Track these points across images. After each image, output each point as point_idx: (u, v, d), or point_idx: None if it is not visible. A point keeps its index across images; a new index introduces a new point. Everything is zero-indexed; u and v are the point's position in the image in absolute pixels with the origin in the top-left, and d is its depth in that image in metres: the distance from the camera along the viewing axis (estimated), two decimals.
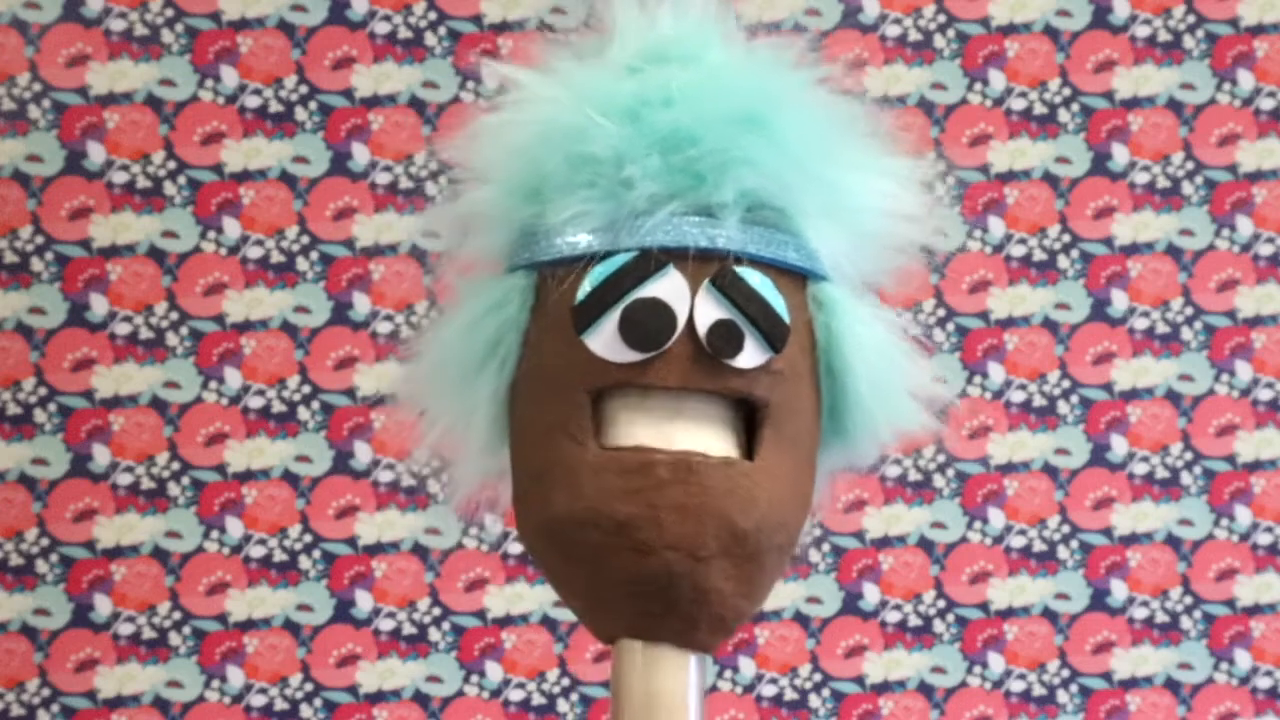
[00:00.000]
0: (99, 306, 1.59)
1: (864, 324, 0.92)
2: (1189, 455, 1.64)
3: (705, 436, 0.88)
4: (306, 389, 1.60)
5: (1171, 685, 1.63)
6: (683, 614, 0.88)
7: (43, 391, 1.59)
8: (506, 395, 0.92)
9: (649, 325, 0.87)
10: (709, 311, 0.87)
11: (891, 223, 0.93)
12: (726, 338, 0.87)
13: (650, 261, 0.87)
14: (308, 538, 1.60)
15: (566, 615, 1.60)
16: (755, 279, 0.88)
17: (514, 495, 0.93)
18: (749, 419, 0.90)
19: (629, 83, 0.89)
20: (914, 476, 1.62)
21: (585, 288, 0.88)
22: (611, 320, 0.87)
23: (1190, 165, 1.64)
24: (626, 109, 0.88)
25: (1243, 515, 1.64)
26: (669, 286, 0.87)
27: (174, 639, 1.59)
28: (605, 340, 0.87)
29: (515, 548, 1.61)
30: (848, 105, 0.93)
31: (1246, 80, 1.65)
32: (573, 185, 0.88)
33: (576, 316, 0.88)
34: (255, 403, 1.60)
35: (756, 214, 0.88)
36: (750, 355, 0.88)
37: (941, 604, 1.62)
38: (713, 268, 0.87)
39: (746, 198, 0.88)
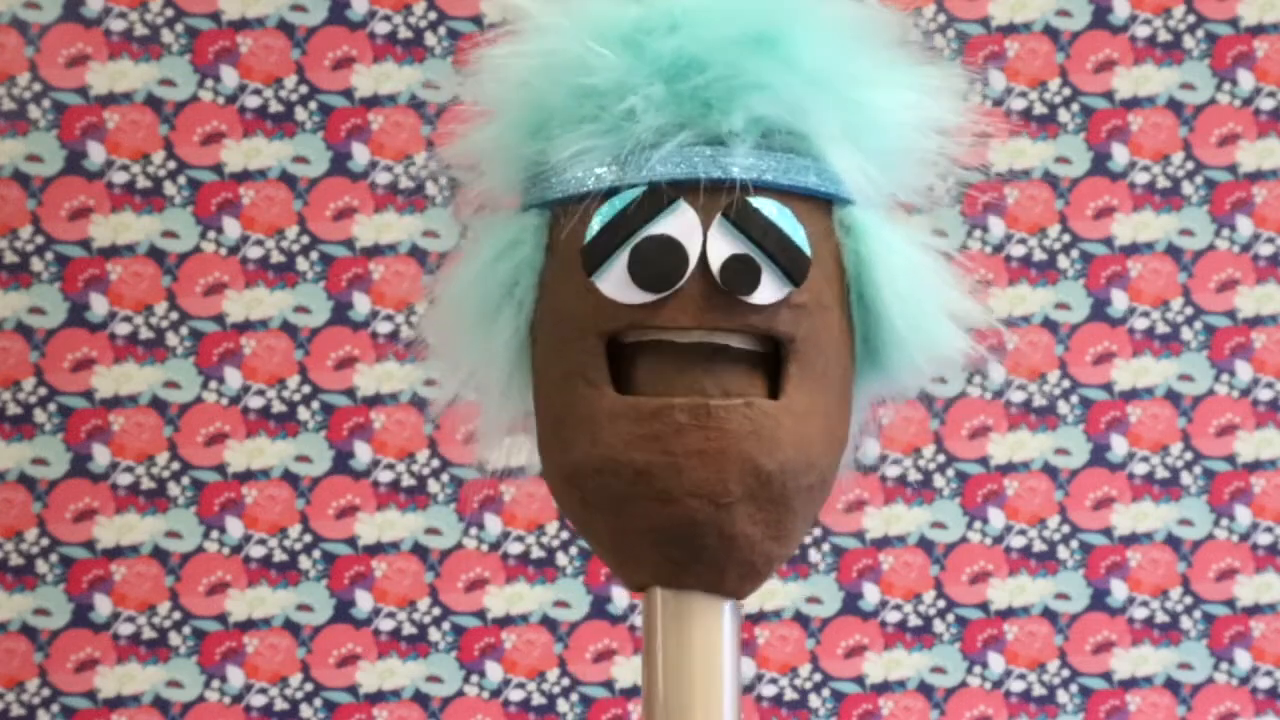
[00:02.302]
0: (99, 306, 1.59)
1: (894, 247, 0.88)
2: (1189, 455, 1.64)
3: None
4: (306, 389, 1.60)
5: (1171, 685, 1.63)
6: (709, 561, 0.86)
7: (43, 391, 1.59)
8: (526, 337, 0.89)
9: (659, 264, 0.84)
10: (722, 246, 0.84)
11: (920, 137, 0.89)
12: (741, 273, 0.84)
13: (659, 196, 0.84)
14: (308, 538, 1.60)
15: (566, 615, 1.61)
16: (771, 209, 0.85)
17: (537, 441, 0.90)
18: (775, 356, 0.87)
19: (633, 7, 0.85)
20: (914, 476, 1.62)
21: (593, 227, 0.85)
22: (621, 260, 0.84)
23: (1190, 165, 1.64)
24: (629, 37, 0.84)
25: (1243, 515, 1.64)
26: (679, 222, 0.84)
27: (174, 639, 1.59)
28: (615, 281, 0.84)
29: (515, 548, 1.61)
30: (866, 15, 0.88)
31: (1246, 80, 1.65)
32: (577, 119, 0.85)
33: (585, 257, 0.85)
34: (255, 403, 1.60)
35: (772, 140, 0.85)
36: (768, 290, 0.84)
37: (941, 604, 1.62)
38: (725, 200, 0.84)
39: (759, 124, 0.84)
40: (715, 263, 0.84)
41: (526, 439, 0.94)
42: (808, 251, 0.85)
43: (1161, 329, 1.64)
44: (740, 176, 0.84)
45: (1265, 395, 1.64)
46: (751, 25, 0.84)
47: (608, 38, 0.84)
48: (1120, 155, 1.64)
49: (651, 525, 0.85)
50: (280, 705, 1.59)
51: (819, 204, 0.86)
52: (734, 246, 0.84)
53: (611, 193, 0.85)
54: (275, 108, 1.61)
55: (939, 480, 1.62)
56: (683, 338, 0.85)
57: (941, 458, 1.62)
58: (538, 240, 0.88)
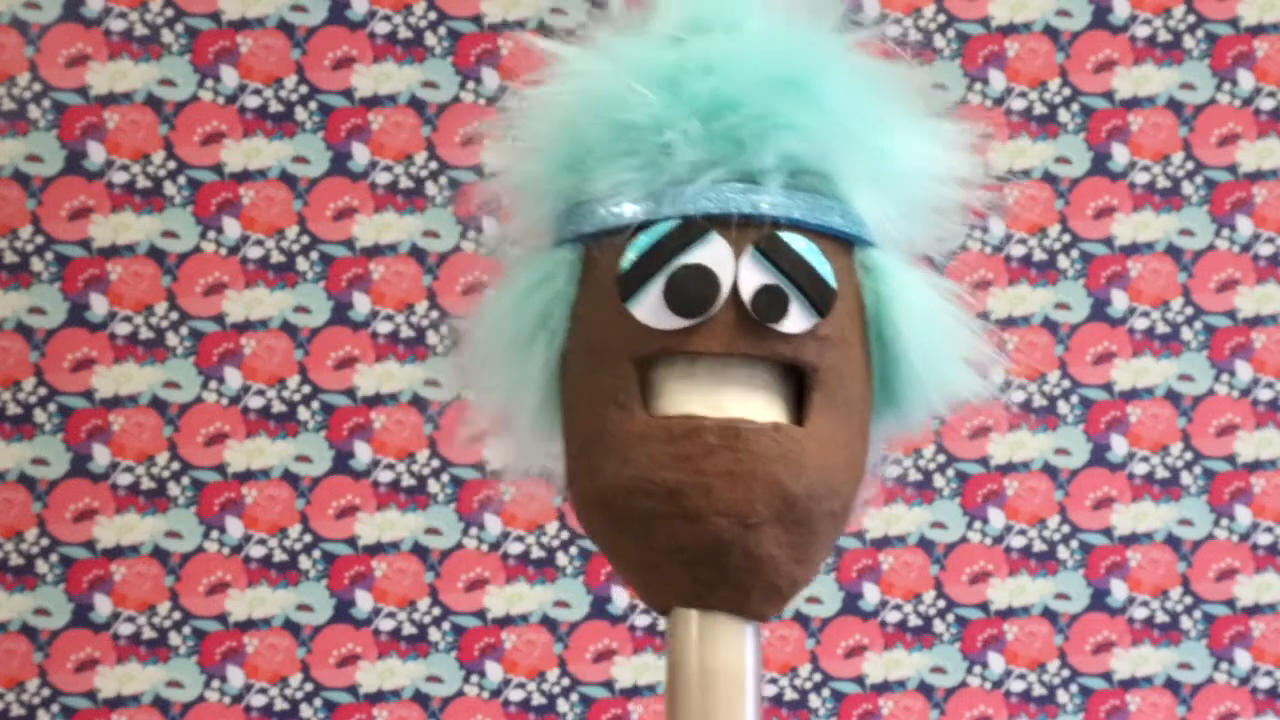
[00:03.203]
0: (99, 306, 1.59)
1: (913, 290, 0.91)
2: (1189, 455, 1.64)
3: (753, 402, 0.88)
4: (306, 389, 1.60)
5: (1171, 685, 1.63)
6: (735, 582, 0.88)
7: (43, 391, 1.59)
8: (557, 369, 0.92)
9: (693, 291, 0.87)
10: (753, 276, 0.87)
11: (938, 186, 0.92)
12: (771, 302, 0.87)
13: (693, 228, 0.87)
14: (308, 538, 1.60)
15: (566, 615, 1.61)
16: (800, 243, 0.88)
17: (565, 467, 0.93)
18: (799, 386, 0.89)
19: (670, 52, 0.89)
20: (914, 476, 1.62)
21: (629, 256, 0.88)
22: (656, 287, 0.87)
23: (1190, 165, 1.64)
24: (667, 77, 0.87)
25: (1243, 515, 1.64)
26: (713, 252, 0.87)
27: (174, 639, 1.59)
28: (650, 308, 0.87)
29: (515, 547, 1.61)
30: (889, 68, 0.92)
31: (1246, 80, 1.65)
32: (614, 154, 0.88)
33: (621, 285, 0.88)
34: (255, 403, 1.60)
35: (800, 179, 0.88)
36: (796, 320, 0.87)
37: (941, 604, 1.62)
38: (756, 233, 0.87)
39: (789, 163, 0.88)
40: (746, 292, 0.87)
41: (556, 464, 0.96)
42: (834, 285, 0.88)
43: (1161, 329, 1.64)
44: (770, 213, 0.87)
45: (1265, 395, 1.64)
46: (783, 69, 0.88)
47: (647, 78, 0.88)
48: (1120, 155, 1.64)
49: (680, 544, 0.87)
50: (280, 705, 1.59)
51: (842, 244, 0.90)
52: (764, 277, 0.87)
53: (646, 225, 0.88)
54: (275, 108, 1.61)
55: (939, 480, 1.62)
56: (714, 403, 0.88)
57: (941, 458, 1.62)
58: (571, 273, 0.91)
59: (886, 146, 0.90)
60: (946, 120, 0.93)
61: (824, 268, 0.88)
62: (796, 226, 0.88)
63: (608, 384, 0.88)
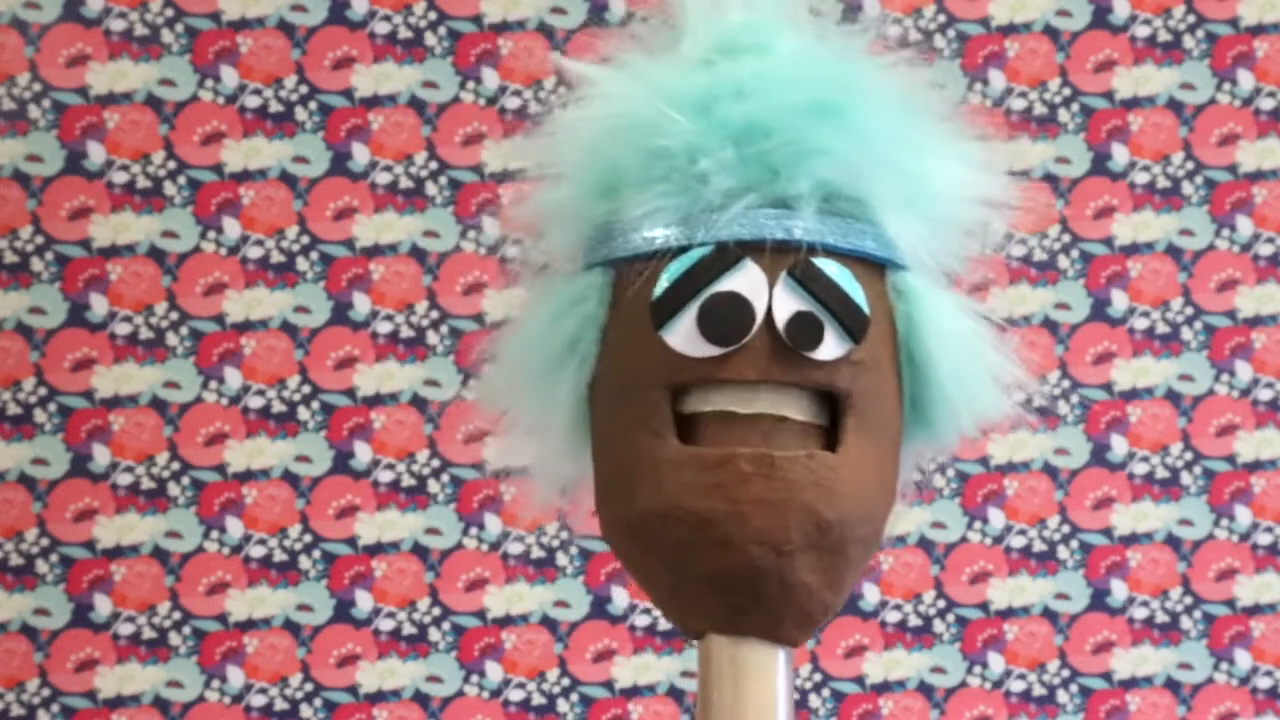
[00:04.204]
0: (99, 306, 1.59)
1: (945, 313, 0.91)
2: (1189, 455, 1.64)
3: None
4: (306, 389, 1.60)
5: (1171, 685, 1.63)
6: (768, 608, 0.88)
7: (43, 391, 1.59)
8: (587, 393, 0.91)
9: (727, 319, 0.86)
10: (787, 304, 0.87)
11: (971, 208, 0.92)
12: (806, 329, 0.86)
13: (727, 255, 0.86)
14: (308, 538, 1.60)
15: (566, 615, 1.61)
16: (833, 269, 0.87)
17: (596, 492, 0.92)
18: (831, 411, 0.89)
19: (701, 76, 0.88)
20: (914, 476, 1.62)
21: (662, 283, 0.87)
22: (689, 315, 0.87)
23: (1190, 165, 1.64)
24: (698, 102, 0.87)
25: (1243, 515, 1.64)
26: (746, 280, 0.86)
27: (174, 639, 1.59)
28: (683, 335, 0.87)
29: (515, 547, 1.61)
30: (921, 91, 0.92)
31: (1246, 80, 1.65)
32: (647, 180, 0.87)
33: (654, 312, 0.87)
34: (255, 403, 1.60)
35: (833, 204, 0.88)
36: (830, 347, 0.87)
37: (941, 604, 1.62)
38: (790, 260, 0.87)
39: (822, 188, 0.87)
40: (781, 319, 0.87)
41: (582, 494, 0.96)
42: (868, 311, 0.88)
43: (1161, 329, 1.64)
44: (803, 239, 0.87)
45: (1265, 395, 1.64)
46: (815, 94, 0.87)
47: (679, 103, 0.87)
48: (1120, 155, 1.64)
49: (713, 571, 0.87)
50: (280, 705, 1.59)
51: (874, 268, 0.89)
52: (799, 304, 0.87)
53: (679, 251, 0.87)
54: (275, 108, 1.61)
55: (939, 480, 1.62)
56: (747, 403, 0.88)
57: (941, 457, 1.62)
58: (601, 297, 0.90)
59: (919, 170, 0.90)
60: (977, 140, 0.93)
61: (858, 294, 0.87)
62: (830, 252, 0.87)
63: (640, 411, 0.88)
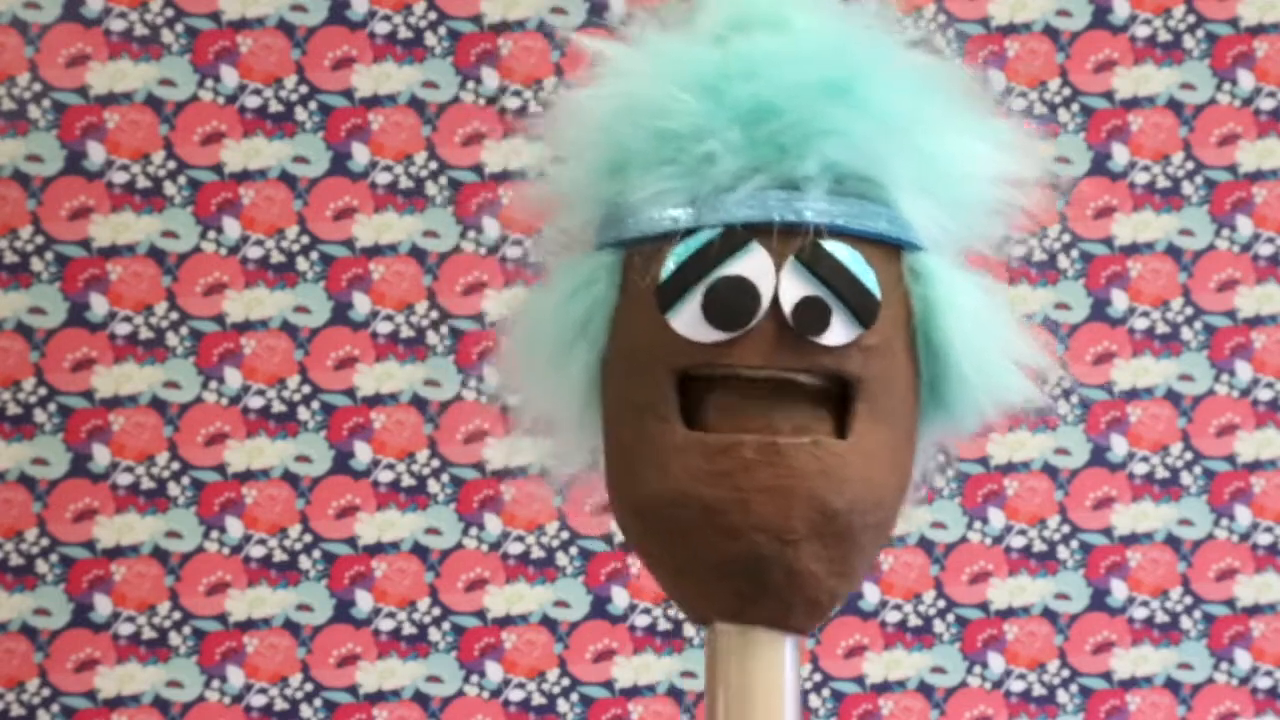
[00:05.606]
0: (99, 306, 1.59)
1: (963, 294, 0.90)
2: (1189, 455, 1.64)
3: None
4: (306, 389, 1.60)
5: (1171, 685, 1.63)
6: (775, 596, 0.87)
7: (43, 391, 1.59)
8: (598, 374, 0.91)
9: (732, 304, 0.85)
10: (794, 288, 0.85)
11: (990, 187, 0.90)
12: (813, 314, 0.85)
13: (734, 238, 0.85)
14: (308, 538, 1.60)
15: (566, 615, 1.61)
16: (843, 252, 0.86)
17: (606, 475, 0.92)
18: (842, 396, 0.88)
19: (713, 53, 0.87)
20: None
21: (668, 266, 0.86)
22: (695, 299, 0.86)
23: (1190, 165, 1.64)
24: (708, 82, 0.86)
25: (1243, 515, 1.64)
26: (753, 263, 0.85)
27: (174, 639, 1.59)
28: (689, 320, 0.86)
29: (515, 548, 1.61)
30: (940, 68, 0.90)
31: (1246, 80, 1.65)
32: (655, 162, 0.86)
33: (660, 296, 0.86)
34: (255, 403, 1.60)
35: (845, 185, 0.86)
36: (838, 331, 0.86)
37: (941, 604, 1.62)
38: (798, 243, 0.85)
39: (832, 169, 0.86)
40: (787, 304, 0.85)
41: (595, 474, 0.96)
42: (878, 295, 0.86)
43: (1161, 329, 1.64)
44: (813, 220, 0.85)
45: (1265, 395, 1.64)
46: (826, 73, 0.86)
47: (687, 83, 0.86)
48: (1120, 155, 1.64)
49: (718, 559, 0.86)
50: (280, 705, 1.59)
51: (889, 249, 0.88)
52: (806, 288, 0.86)
53: (687, 233, 0.86)
54: (275, 108, 1.61)
55: (939, 480, 1.62)
56: (753, 374, 0.86)
57: (941, 457, 1.62)
58: (611, 278, 0.89)
59: (934, 149, 0.88)
60: (996, 118, 0.91)
61: (867, 277, 0.86)
62: (840, 234, 0.86)
63: (647, 395, 0.87)
